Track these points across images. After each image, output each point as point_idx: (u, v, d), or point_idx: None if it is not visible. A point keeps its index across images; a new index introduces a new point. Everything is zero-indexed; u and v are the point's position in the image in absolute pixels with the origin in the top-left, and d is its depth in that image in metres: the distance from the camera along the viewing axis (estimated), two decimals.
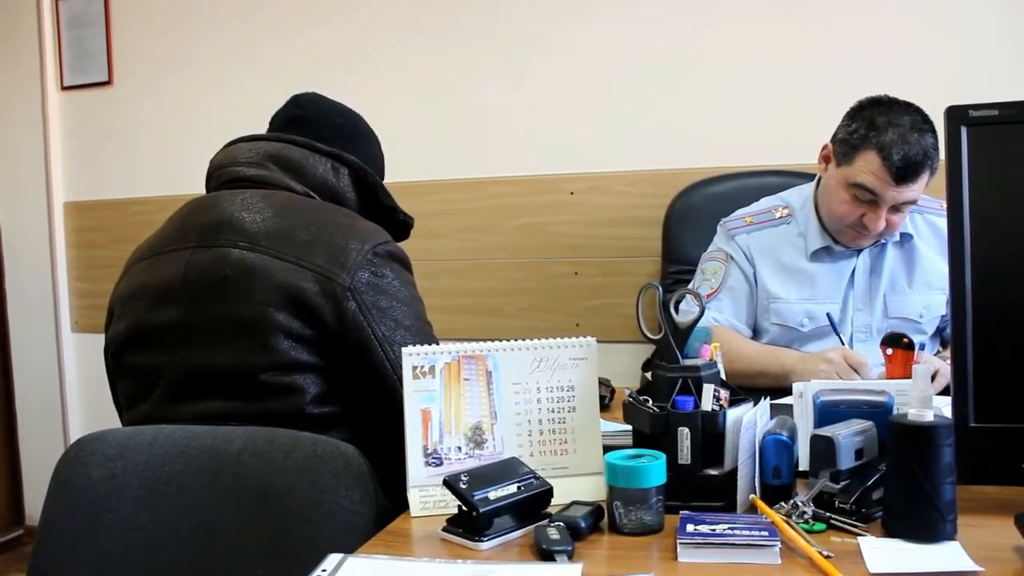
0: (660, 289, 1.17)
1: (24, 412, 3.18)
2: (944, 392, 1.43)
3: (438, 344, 1.37)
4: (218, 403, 1.32)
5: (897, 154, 1.68)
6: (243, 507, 1.20)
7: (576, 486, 1.13)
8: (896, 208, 1.75)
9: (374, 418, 1.33)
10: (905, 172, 1.68)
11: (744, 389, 1.19)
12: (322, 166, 1.47)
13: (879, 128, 1.71)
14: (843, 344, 1.70)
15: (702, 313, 1.17)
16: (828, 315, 1.79)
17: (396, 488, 1.19)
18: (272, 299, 1.30)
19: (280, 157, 1.45)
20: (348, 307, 1.31)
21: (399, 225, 1.55)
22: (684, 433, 1.08)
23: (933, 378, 1.48)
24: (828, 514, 1.02)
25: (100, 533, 1.23)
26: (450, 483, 1.04)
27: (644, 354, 2.29)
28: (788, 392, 1.32)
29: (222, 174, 1.47)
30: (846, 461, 1.04)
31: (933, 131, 1.70)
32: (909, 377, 1.05)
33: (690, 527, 0.98)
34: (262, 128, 1.58)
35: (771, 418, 1.18)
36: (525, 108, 2.60)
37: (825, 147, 1.85)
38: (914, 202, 1.76)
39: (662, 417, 1.10)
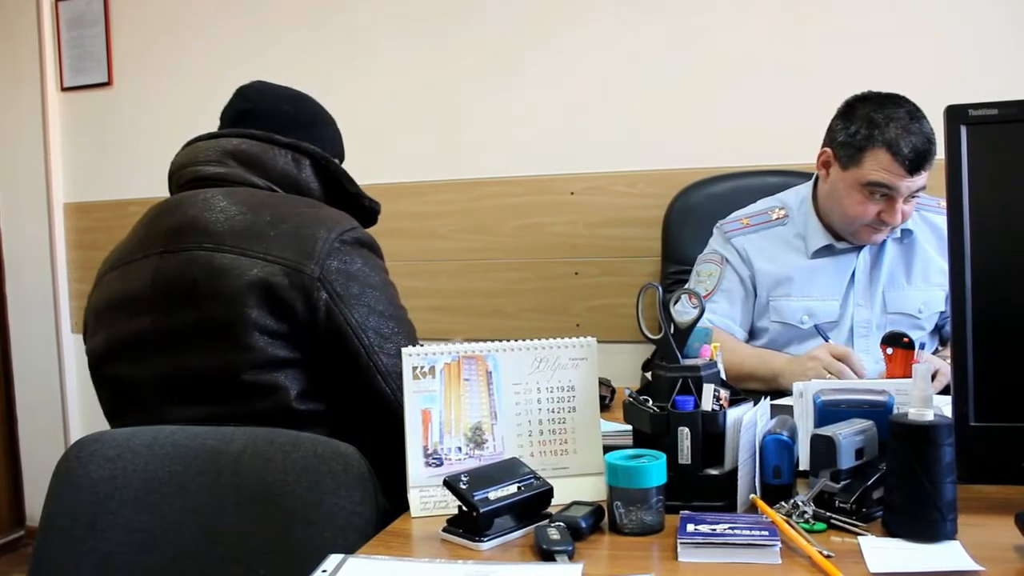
0: (660, 289, 1.17)
1: (24, 413, 3.18)
2: (944, 391, 1.43)
3: (412, 327, 1.38)
4: (205, 408, 1.32)
5: (906, 146, 1.69)
6: (243, 507, 1.20)
7: (576, 486, 1.13)
8: (907, 198, 1.76)
9: (360, 410, 1.34)
10: (917, 161, 1.70)
11: None
12: (282, 158, 1.45)
13: (879, 125, 1.72)
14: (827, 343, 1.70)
15: (702, 313, 1.17)
16: (815, 326, 1.81)
17: (394, 486, 1.19)
18: (244, 297, 1.29)
19: (239, 153, 1.45)
20: (319, 297, 1.30)
21: (366, 211, 1.54)
22: (684, 433, 1.08)
23: (933, 377, 1.48)
24: (828, 514, 1.02)
25: (100, 534, 1.23)
26: (450, 483, 1.04)
27: (644, 354, 2.29)
28: (786, 392, 1.32)
29: (183, 175, 1.47)
30: (846, 461, 1.04)
31: (926, 117, 1.72)
32: (909, 376, 1.05)
33: (690, 527, 0.98)
34: None
35: (771, 418, 1.18)
36: (525, 108, 2.60)
37: (823, 153, 1.85)
38: (924, 188, 1.77)
39: (662, 417, 1.10)
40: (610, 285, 2.55)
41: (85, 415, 3.10)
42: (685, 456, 1.08)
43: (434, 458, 1.16)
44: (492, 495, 1.03)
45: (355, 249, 1.37)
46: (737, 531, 0.96)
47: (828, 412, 1.14)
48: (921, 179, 1.73)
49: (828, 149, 1.83)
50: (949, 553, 0.93)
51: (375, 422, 1.31)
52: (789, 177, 2.17)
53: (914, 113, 1.72)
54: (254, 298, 1.29)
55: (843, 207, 1.82)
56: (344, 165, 1.56)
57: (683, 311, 1.18)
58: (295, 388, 1.32)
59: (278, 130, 1.48)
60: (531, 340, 1.21)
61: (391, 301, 1.39)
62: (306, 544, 1.15)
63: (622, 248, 2.54)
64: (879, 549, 0.95)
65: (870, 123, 1.73)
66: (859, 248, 1.88)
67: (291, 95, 1.59)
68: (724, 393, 1.12)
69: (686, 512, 1.03)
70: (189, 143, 1.51)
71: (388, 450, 1.22)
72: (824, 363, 1.61)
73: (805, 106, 2.34)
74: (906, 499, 0.98)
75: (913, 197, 1.77)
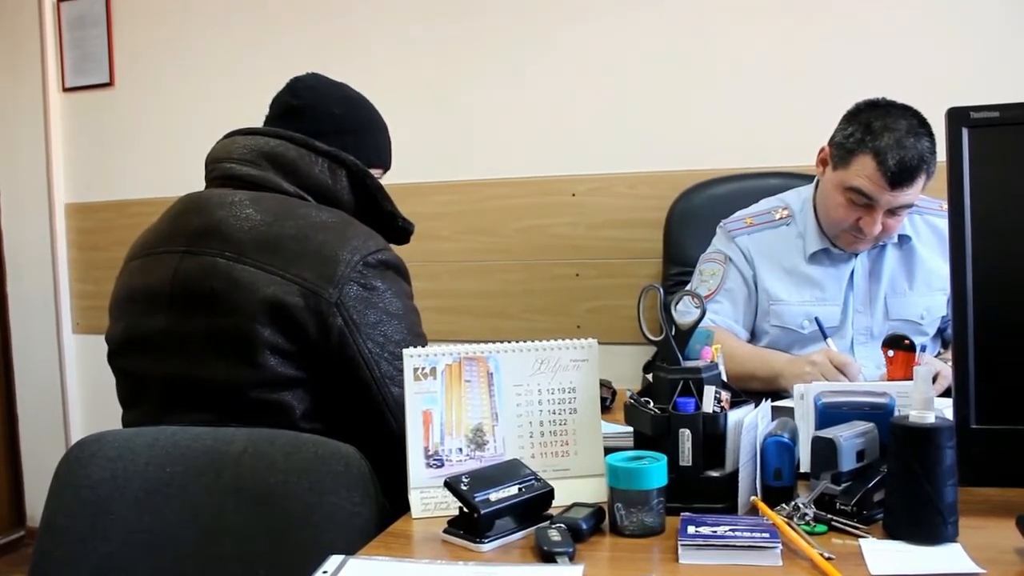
0: (661, 291, 1.17)
1: (25, 413, 3.18)
2: (945, 394, 1.43)
3: None
4: (208, 415, 1.31)
5: (892, 159, 1.67)
6: (244, 508, 1.20)
7: (577, 488, 1.13)
8: (892, 212, 1.75)
9: (363, 433, 1.32)
10: (900, 177, 1.68)
11: None
12: (318, 167, 1.42)
13: (875, 132, 1.70)
14: (828, 346, 1.70)
15: (703, 314, 1.17)
16: (816, 319, 1.80)
17: (394, 491, 1.19)
18: (258, 314, 1.28)
19: (275, 156, 1.42)
20: (334, 323, 1.29)
21: (399, 230, 1.51)
22: (685, 435, 1.08)
23: (934, 380, 1.48)
24: (829, 516, 1.02)
25: (101, 534, 1.23)
26: (451, 485, 1.04)
27: (645, 356, 2.29)
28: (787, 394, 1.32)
29: (215, 169, 1.46)
30: (847, 463, 1.04)
31: (930, 135, 1.70)
32: (910, 379, 1.05)
33: (691, 529, 0.98)
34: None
35: (772, 420, 1.18)
36: (526, 110, 2.60)
37: (822, 150, 1.85)
38: (910, 206, 1.76)
39: (663, 419, 1.10)
40: (611, 286, 2.55)
41: (85, 415, 3.10)
42: (686, 458, 1.08)
43: (435, 459, 1.16)
44: (493, 496, 1.03)
45: (379, 272, 1.35)
46: (738, 533, 0.96)
47: (829, 414, 1.14)
48: (904, 196, 1.71)
49: (827, 147, 1.83)
50: (950, 555, 0.93)
51: (377, 446, 1.30)
52: (790, 179, 2.17)
53: (915, 129, 1.69)
54: (267, 316, 1.28)
55: (827, 207, 1.83)
56: None
57: (684, 313, 1.18)
58: (301, 408, 1.31)
59: (322, 133, 1.45)
60: (532, 341, 1.21)
61: (410, 330, 1.37)
62: (306, 544, 1.15)
63: (623, 250, 2.54)
64: (880, 551, 0.95)
65: (866, 128, 1.72)
66: (855, 253, 1.88)
67: (342, 97, 1.54)
68: (725, 395, 1.12)
69: (687, 514, 1.03)
70: (228, 135, 1.49)
71: (388, 465, 1.22)
72: (822, 369, 1.61)
73: (806, 108, 2.35)
74: (907, 501, 0.98)
75: (896, 214, 1.76)
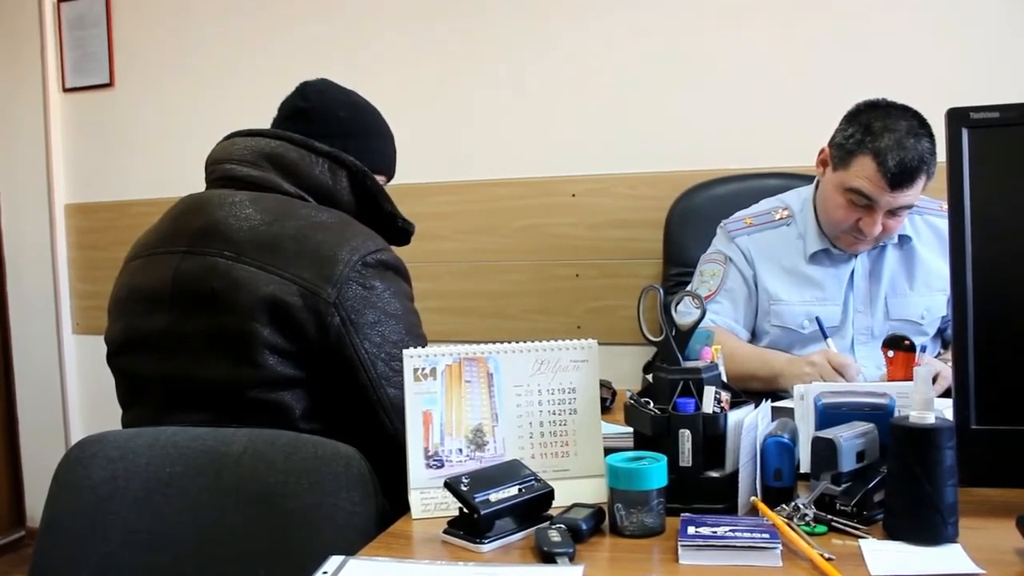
0: (661, 291, 1.17)
1: (25, 413, 3.18)
2: (945, 394, 1.43)
3: None
4: (208, 415, 1.31)
5: (892, 160, 1.67)
6: (243, 508, 1.20)
7: (577, 488, 1.13)
8: (892, 213, 1.75)
9: (360, 434, 1.32)
10: (900, 178, 1.68)
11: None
12: (318, 167, 1.43)
13: (875, 133, 1.70)
14: (828, 347, 1.70)
15: (703, 315, 1.17)
16: (817, 318, 1.80)
17: (394, 492, 1.19)
18: (257, 313, 1.28)
19: (276, 157, 1.42)
20: (332, 323, 1.29)
21: (399, 231, 1.52)
22: (685, 435, 1.08)
23: (934, 380, 1.48)
24: (829, 516, 1.02)
25: (101, 534, 1.23)
26: (451, 485, 1.04)
27: (645, 356, 2.29)
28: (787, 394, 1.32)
29: (215, 170, 1.46)
30: (847, 463, 1.04)
31: (930, 136, 1.69)
32: (910, 379, 1.05)
33: (691, 529, 0.98)
34: (266, 127, 1.56)
35: (772, 420, 1.18)
36: (527, 110, 2.60)
37: (823, 151, 1.85)
38: (910, 207, 1.76)
39: (663, 419, 1.10)
40: (611, 287, 2.55)
41: (85, 415, 3.10)
42: (686, 458, 1.08)
43: (435, 460, 1.16)
44: (493, 497, 1.03)
45: (378, 273, 1.35)
46: (738, 534, 0.96)
47: (829, 415, 1.14)
48: (904, 197, 1.71)
49: (827, 148, 1.83)
50: (950, 556, 0.93)
51: (376, 446, 1.30)
52: (790, 180, 2.17)
53: (915, 129, 1.69)
54: (266, 315, 1.28)
55: (827, 208, 1.83)
56: None
57: (684, 313, 1.18)
58: (300, 407, 1.31)
59: (327, 134, 1.45)
60: (532, 342, 1.21)
61: (409, 330, 1.36)
62: (307, 545, 1.15)
63: (623, 250, 2.54)
64: (880, 552, 0.95)
65: (866, 129, 1.72)
66: (856, 253, 1.88)
67: (350, 102, 1.55)
68: (725, 395, 1.12)
69: (687, 514, 1.03)
70: (228, 137, 1.50)
71: (387, 466, 1.22)
72: (821, 370, 1.61)
73: (806, 109, 2.35)
74: (907, 502, 0.98)
75: (896, 215, 1.76)
